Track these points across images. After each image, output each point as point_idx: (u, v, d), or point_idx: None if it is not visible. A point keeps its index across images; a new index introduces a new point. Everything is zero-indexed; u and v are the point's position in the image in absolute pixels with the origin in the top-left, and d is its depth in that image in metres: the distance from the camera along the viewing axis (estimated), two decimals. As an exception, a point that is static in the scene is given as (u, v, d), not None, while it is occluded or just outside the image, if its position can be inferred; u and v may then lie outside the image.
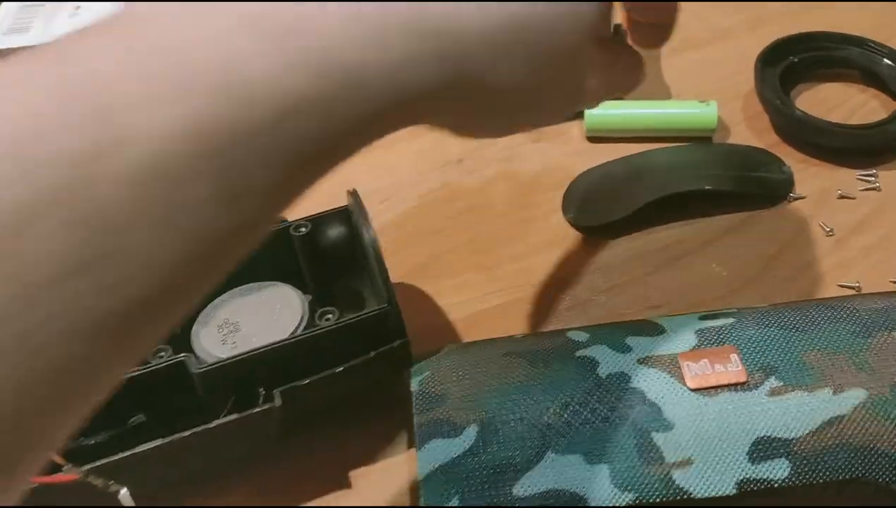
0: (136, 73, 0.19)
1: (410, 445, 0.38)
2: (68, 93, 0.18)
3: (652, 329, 0.36)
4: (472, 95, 0.24)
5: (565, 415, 0.33)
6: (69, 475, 0.30)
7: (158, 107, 0.19)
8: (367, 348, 0.36)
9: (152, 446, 0.32)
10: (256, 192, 0.20)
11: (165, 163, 0.19)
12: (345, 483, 0.37)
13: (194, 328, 0.38)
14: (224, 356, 0.35)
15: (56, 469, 0.31)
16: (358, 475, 0.37)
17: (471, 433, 0.33)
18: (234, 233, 0.21)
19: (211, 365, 0.34)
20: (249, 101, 0.20)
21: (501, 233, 0.48)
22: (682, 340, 0.35)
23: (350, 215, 0.40)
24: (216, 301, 0.39)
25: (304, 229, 0.40)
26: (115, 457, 0.32)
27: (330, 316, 0.36)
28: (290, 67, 0.20)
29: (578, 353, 0.35)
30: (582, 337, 0.36)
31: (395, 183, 0.51)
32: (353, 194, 0.38)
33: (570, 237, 0.47)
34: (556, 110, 0.29)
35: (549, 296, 0.44)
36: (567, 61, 0.26)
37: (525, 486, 0.32)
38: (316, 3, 0.21)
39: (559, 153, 0.52)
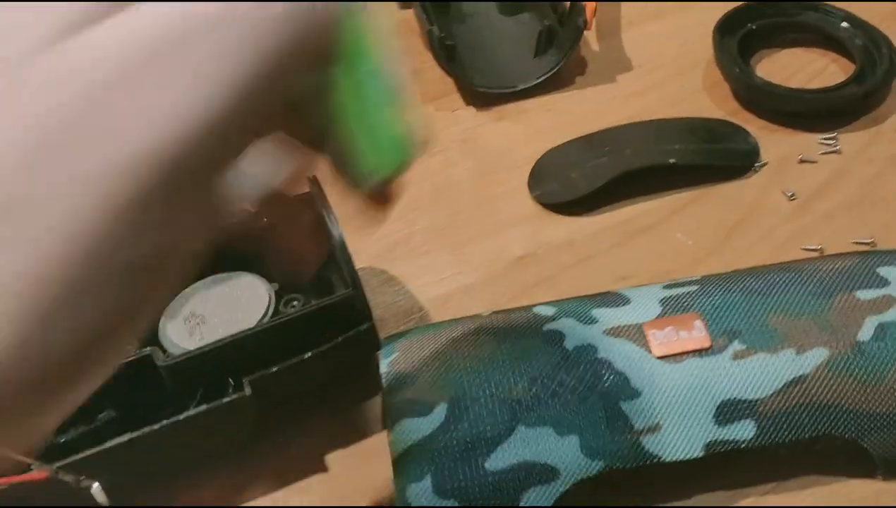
0: None
1: (385, 426, 0.38)
2: None
3: (617, 300, 0.36)
4: None
5: (534, 389, 0.33)
6: (39, 473, 0.30)
7: None
8: (334, 333, 0.35)
9: (122, 440, 0.32)
10: None
11: None
12: (321, 468, 0.37)
13: (161, 322, 0.38)
14: (191, 348, 0.35)
15: (25, 468, 0.30)
16: (334, 458, 0.37)
17: (441, 411, 0.33)
18: None
19: (177, 357, 0.34)
20: None
21: (467, 212, 0.48)
22: (646, 309, 0.35)
23: (313, 201, 0.40)
24: (182, 294, 0.39)
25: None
26: (85, 453, 0.31)
27: (295, 303, 0.36)
28: None
29: (545, 327, 0.35)
30: (548, 311, 0.36)
31: (361, 168, 0.51)
32: (314, 181, 0.38)
33: (536, 214, 0.47)
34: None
35: (516, 274, 0.44)
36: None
37: (497, 460, 0.32)
38: None
39: (521, 131, 0.52)
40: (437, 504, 0.32)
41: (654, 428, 0.32)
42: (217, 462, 0.37)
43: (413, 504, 0.32)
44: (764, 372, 0.32)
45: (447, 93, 0.55)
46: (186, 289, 0.39)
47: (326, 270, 0.41)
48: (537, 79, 0.53)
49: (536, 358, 0.34)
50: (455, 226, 0.47)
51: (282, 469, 0.37)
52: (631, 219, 0.46)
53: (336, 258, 0.36)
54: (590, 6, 0.52)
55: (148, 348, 0.34)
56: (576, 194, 0.46)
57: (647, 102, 0.52)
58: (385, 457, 0.37)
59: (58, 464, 0.30)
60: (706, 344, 0.33)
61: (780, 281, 0.35)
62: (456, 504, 0.31)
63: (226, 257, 0.39)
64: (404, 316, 0.43)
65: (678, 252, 0.44)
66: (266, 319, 0.36)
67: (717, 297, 0.35)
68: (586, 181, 0.46)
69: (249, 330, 0.35)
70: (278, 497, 0.36)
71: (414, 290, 0.44)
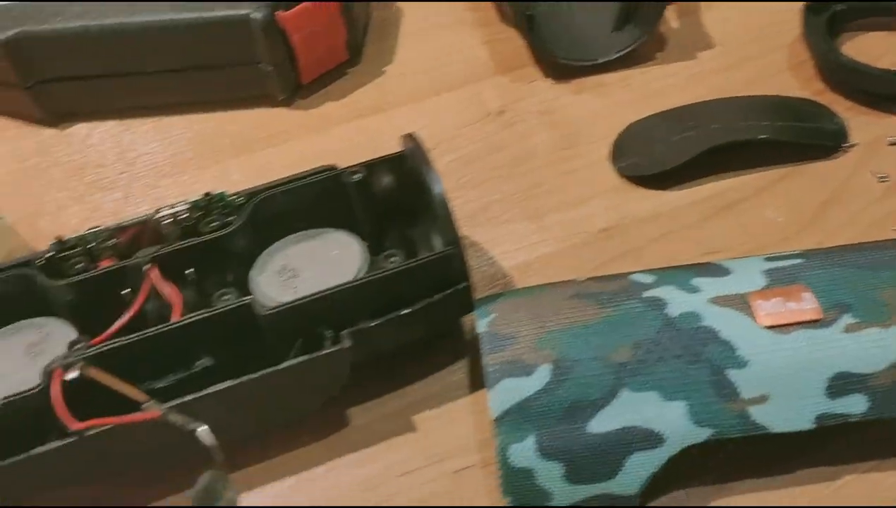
0: None
1: (472, 389, 0.38)
2: None
3: (717, 270, 0.36)
4: None
5: (638, 354, 0.32)
6: (151, 412, 0.30)
7: None
8: (429, 292, 0.35)
9: (224, 387, 0.32)
10: None
11: None
12: (409, 428, 0.37)
13: (250, 275, 0.37)
14: (285, 300, 0.35)
15: (133, 408, 0.30)
16: (422, 419, 0.37)
17: (543, 372, 0.32)
18: None
19: (279, 306, 0.34)
20: None
21: (547, 183, 0.47)
22: (750, 280, 0.34)
23: (403, 162, 0.40)
24: (270, 248, 0.38)
25: (358, 175, 0.39)
26: (188, 398, 0.31)
27: (395, 258, 0.36)
28: None
29: (646, 294, 0.34)
30: (647, 278, 0.36)
31: (437, 134, 0.50)
32: (412, 138, 0.38)
33: (619, 187, 0.46)
34: None
35: (600, 244, 0.44)
36: None
37: (600, 423, 0.31)
38: None
39: (600, 105, 0.51)
40: (540, 465, 0.31)
41: (762, 398, 0.31)
42: (307, 419, 0.36)
43: (515, 465, 0.31)
44: (877, 346, 0.32)
45: (523, 65, 0.54)
46: (276, 243, 0.39)
47: (411, 230, 0.41)
48: (618, 52, 0.52)
49: (638, 323, 0.33)
50: (535, 195, 0.47)
51: (370, 425, 0.37)
52: (718, 194, 0.45)
53: (434, 214, 0.35)
54: (675, -20, 0.51)
55: (247, 297, 0.34)
56: (662, 167, 0.45)
57: (729, 80, 0.51)
58: (471, 419, 0.37)
59: (168, 404, 0.30)
60: (817, 315, 0.32)
61: (888, 257, 0.35)
62: (560, 465, 0.31)
63: (313, 213, 0.39)
64: (489, 282, 0.42)
65: (767, 228, 0.43)
66: (360, 274, 0.36)
67: (823, 270, 0.34)
68: (673, 155, 0.45)
69: (352, 282, 0.34)
70: (368, 453, 0.36)
71: (496, 257, 0.44)
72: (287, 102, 0.53)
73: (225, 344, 0.34)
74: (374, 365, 0.37)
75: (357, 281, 0.34)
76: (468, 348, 0.39)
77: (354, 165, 0.40)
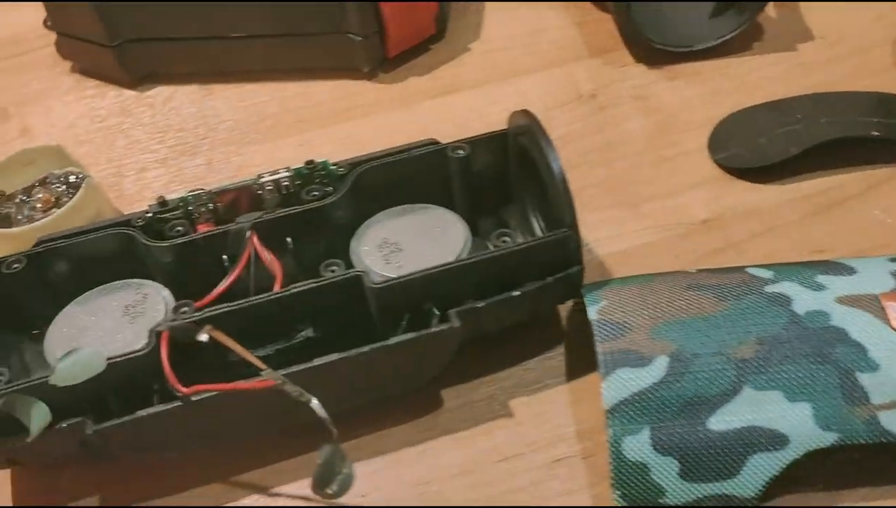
0: None
1: (570, 378, 0.37)
2: None
3: (842, 268, 0.34)
4: None
5: (762, 351, 0.31)
6: (268, 380, 0.29)
7: None
8: (539, 273, 0.34)
9: (335, 359, 0.31)
10: None
11: None
12: (505, 413, 0.36)
13: (351, 247, 0.37)
14: (390, 275, 0.34)
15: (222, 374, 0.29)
16: (517, 405, 0.36)
17: (661, 364, 0.31)
18: None
19: (391, 280, 0.32)
20: None
21: (643, 170, 0.46)
22: (879, 281, 0.33)
23: (505, 140, 0.39)
24: (369, 221, 0.37)
25: (461, 151, 0.38)
26: (298, 367, 0.30)
27: (507, 238, 0.35)
28: None
29: (768, 289, 0.33)
30: (766, 273, 0.34)
31: (527, 115, 0.49)
32: (528, 113, 0.36)
33: (718, 178, 0.45)
34: None
35: (700, 236, 0.42)
36: None
37: (720, 421, 0.30)
38: None
39: (696, 93, 0.50)
40: (656, 460, 0.30)
41: (893, 404, 0.30)
42: (400, 398, 0.35)
43: (629, 458, 0.30)
44: None
45: (614, 48, 0.53)
46: (376, 216, 0.38)
47: (505, 211, 0.39)
48: (717, 40, 0.50)
49: (762, 319, 0.32)
50: (630, 182, 0.45)
51: (464, 408, 0.36)
52: (823, 191, 0.43)
53: (555, 193, 0.34)
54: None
55: (358, 270, 0.33)
56: (766, 160, 0.44)
57: (831, 74, 0.50)
58: (570, 408, 0.36)
59: (284, 372, 0.29)
60: (953, 321, 0.31)
61: None
62: (675, 462, 0.30)
63: (411, 188, 0.38)
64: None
65: (877, 229, 0.41)
66: (464, 252, 0.35)
67: (955, 275, 0.33)
68: (778, 148, 0.44)
69: (466, 259, 0.33)
70: (464, 436, 0.35)
71: (592, 244, 0.42)
72: (370, 75, 0.52)
73: (328, 316, 0.33)
74: (470, 347, 0.36)
75: (471, 258, 0.33)
76: (564, 334, 0.38)
77: (458, 141, 0.38)
